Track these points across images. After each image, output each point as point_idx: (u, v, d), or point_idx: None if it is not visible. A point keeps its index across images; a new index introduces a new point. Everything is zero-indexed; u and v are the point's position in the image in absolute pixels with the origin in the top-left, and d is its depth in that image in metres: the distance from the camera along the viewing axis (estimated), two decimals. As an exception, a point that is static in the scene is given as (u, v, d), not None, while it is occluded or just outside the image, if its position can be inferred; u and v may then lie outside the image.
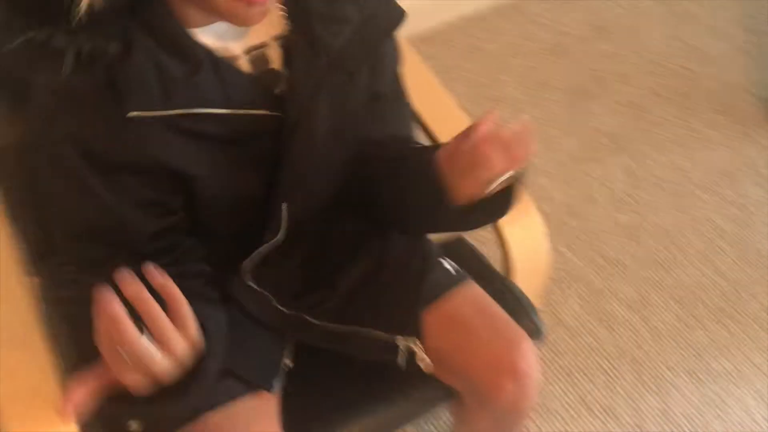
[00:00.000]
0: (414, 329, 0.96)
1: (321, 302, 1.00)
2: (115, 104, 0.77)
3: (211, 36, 0.81)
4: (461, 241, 1.18)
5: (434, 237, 1.07)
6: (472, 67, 2.11)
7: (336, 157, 0.93)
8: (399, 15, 0.92)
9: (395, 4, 0.93)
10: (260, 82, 0.85)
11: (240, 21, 0.78)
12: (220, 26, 0.81)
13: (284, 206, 0.91)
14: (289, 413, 0.97)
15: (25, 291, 0.97)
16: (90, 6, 0.72)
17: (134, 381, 0.70)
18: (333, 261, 1.02)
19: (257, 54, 0.85)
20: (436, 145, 0.91)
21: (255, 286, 0.97)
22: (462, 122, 1.18)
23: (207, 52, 0.81)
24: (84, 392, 0.72)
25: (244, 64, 0.84)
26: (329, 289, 1.00)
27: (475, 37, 2.20)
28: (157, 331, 0.68)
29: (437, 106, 1.20)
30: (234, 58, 0.83)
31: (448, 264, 1.03)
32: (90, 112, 0.78)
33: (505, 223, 1.08)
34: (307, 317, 0.99)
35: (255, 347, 0.98)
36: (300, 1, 0.86)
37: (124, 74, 0.76)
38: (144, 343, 0.67)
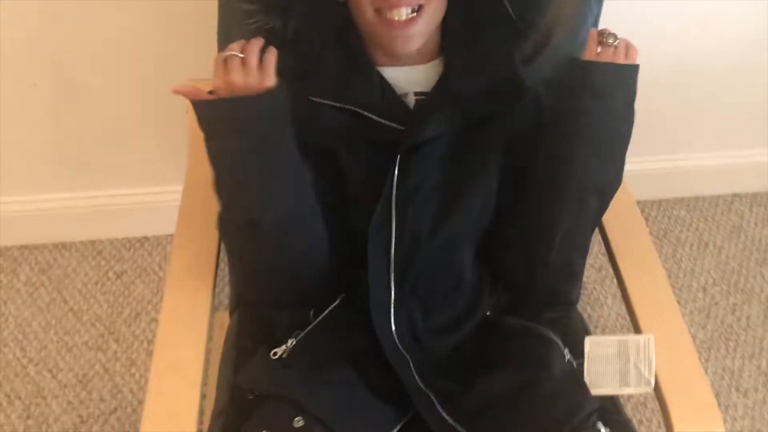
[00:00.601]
0: None
1: (452, 394, 0.99)
2: (303, 87, 1.03)
3: (389, 73, 1.05)
4: (623, 419, 1.07)
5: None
6: (729, 250, 1.94)
7: (446, 196, 1.03)
8: (522, 91, 1.05)
9: (520, 81, 1.06)
10: (410, 111, 1.05)
11: (386, 44, 1.01)
12: (399, 70, 1.05)
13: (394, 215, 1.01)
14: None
15: (205, 327, 1.05)
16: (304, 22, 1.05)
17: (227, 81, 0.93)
18: (484, 360, 1.03)
19: (420, 99, 1.05)
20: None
21: (400, 347, 1.01)
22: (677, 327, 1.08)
23: (380, 76, 1.05)
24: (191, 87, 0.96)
25: (411, 101, 1.05)
26: (467, 386, 0.99)
27: (741, 217, 2.02)
28: (248, 59, 0.94)
29: (649, 293, 1.12)
30: (402, 94, 1.05)
31: (603, 430, 0.95)
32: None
33: (683, 422, 0.97)
34: (435, 402, 0.98)
35: (367, 416, 0.98)
36: (450, 54, 1.06)
37: (315, 70, 1.05)
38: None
